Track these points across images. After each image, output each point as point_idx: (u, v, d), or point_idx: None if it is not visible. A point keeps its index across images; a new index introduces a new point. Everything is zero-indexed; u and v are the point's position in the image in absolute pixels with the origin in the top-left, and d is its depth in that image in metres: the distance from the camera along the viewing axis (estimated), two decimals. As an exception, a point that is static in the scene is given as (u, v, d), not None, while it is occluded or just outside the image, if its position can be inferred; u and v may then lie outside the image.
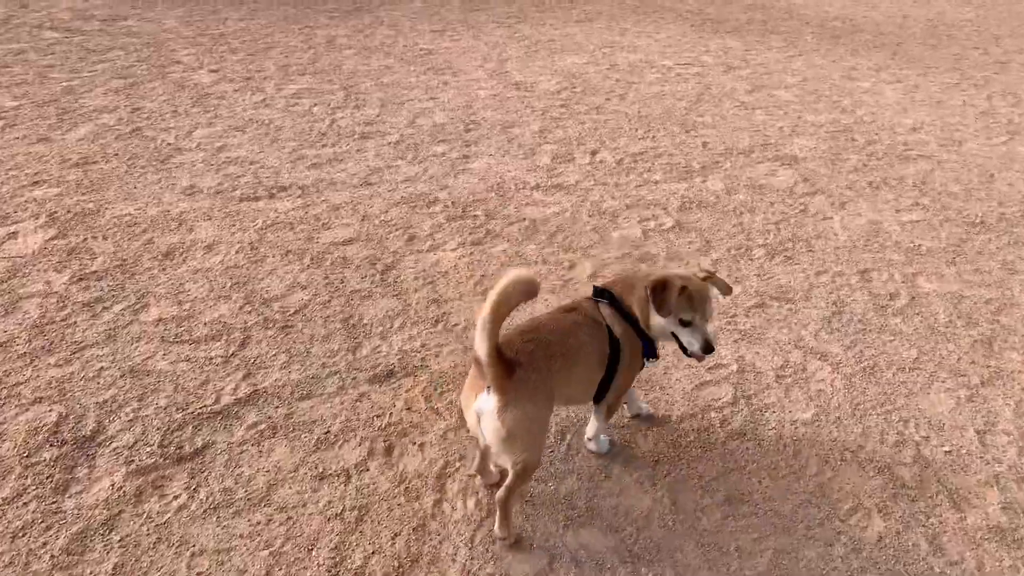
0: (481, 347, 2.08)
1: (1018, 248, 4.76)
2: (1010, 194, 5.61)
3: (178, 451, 2.78)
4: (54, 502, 2.54)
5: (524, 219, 4.82)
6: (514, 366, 2.18)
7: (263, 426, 2.93)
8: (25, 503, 2.53)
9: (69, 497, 2.56)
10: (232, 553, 2.39)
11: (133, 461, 2.72)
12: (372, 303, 3.77)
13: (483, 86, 7.67)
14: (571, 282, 4.13)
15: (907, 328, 3.88)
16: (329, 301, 3.76)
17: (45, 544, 2.39)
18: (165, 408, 2.99)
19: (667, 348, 2.82)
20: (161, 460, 2.74)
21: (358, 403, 3.08)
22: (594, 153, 6.04)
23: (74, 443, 2.79)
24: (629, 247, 4.55)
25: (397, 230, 4.55)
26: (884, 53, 10.18)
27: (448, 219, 4.74)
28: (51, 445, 2.78)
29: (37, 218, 4.47)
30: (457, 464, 2.80)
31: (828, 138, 6.66)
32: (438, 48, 9.13)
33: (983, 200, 5.49)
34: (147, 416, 2.94)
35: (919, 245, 4.77)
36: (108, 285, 3.82)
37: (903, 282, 4.32)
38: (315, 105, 6.74)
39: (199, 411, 2.99)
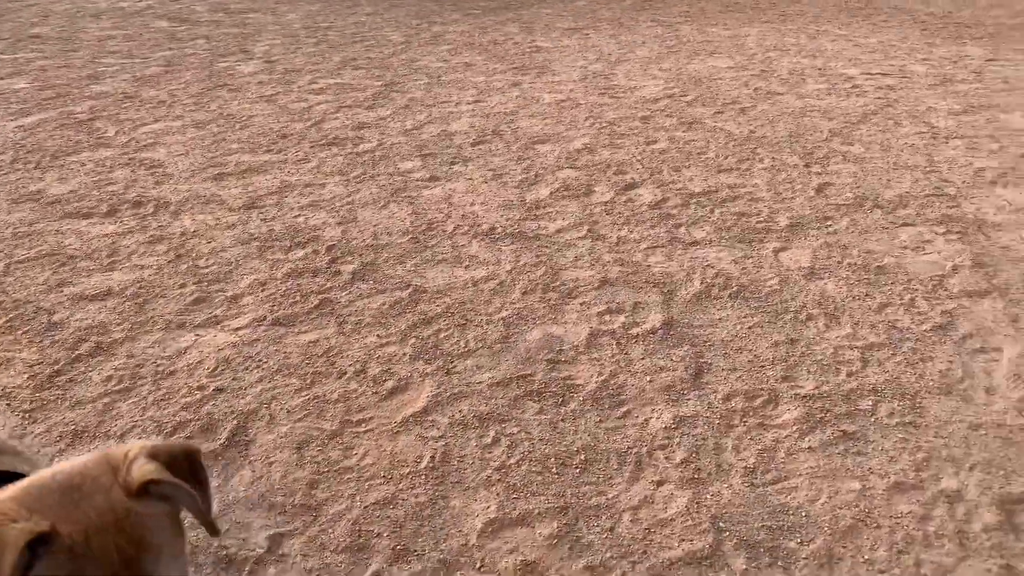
0: None
1: None
2: None
3: None
4: None
5: (407, 287, 2.84)
6: None
7: None
8: None
9: None
10: None
11: None
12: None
13: (561, 89, 5.65)
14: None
15: None
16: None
17: None
18: None
19: None
20: None
21: None
22: (630, 187, 3.82)
23: None
24: (541, 364, 2.40)
25: (195, 284, 2.83)
26: None
27: (296, 271, 2.92)
28: None
29: None
30: None
31: (1064, 192, 3.75)
32: (554, 47, 7.22)
33: None
34: None
35: None
36: None
37: None
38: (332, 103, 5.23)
39: None
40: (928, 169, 4.07)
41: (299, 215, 3.43)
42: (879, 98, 5.47)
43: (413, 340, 2.50)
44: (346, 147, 4.34)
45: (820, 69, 6.38)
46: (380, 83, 5.77)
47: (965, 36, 7.98)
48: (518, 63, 6.50)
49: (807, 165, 4.12)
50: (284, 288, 2.81)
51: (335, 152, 4.25)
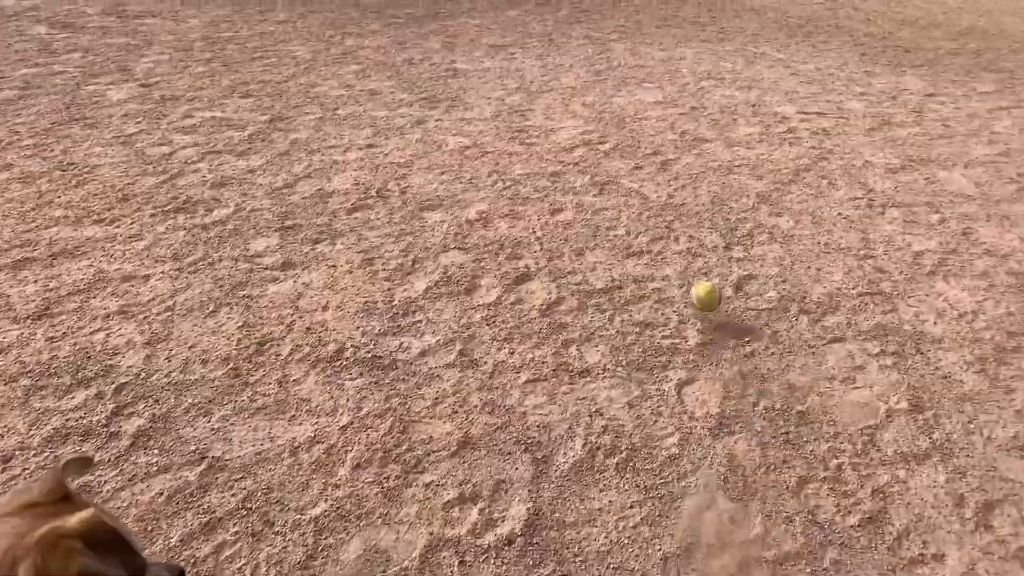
0: None
1: None
2: None
3: None
4: None
5: (201, 460, 2.15)
6: None
7: None
8: None
9: None
10: None
11: None
12: None
13: (469, 130, 4.95)
14: None
15: None
16: None
17: None
18: None
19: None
20: None
21: None
22: (522, 279, 3.17)
23: None
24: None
25: None
26: None
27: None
28: None
29: None
30: None
31: None
32: (473, 70, 6.49)
33: None
34: None
35: None
36: None
37: None
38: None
39: None
40: (863, 252, 3.52)
41: (100, 329, 2.68)
42: (813, 147, 4.92)
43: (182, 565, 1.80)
44: (196, 214, 3.58)
45: (754, 106, 5.82)
46: (265, 118, 4.99)
47: (904, 63, 7.54)
48: (429, 92, 5.77)
49: (728, 246, 3.52)
50: (34, 465, 2.08)
51: (179, 223, 3.49)
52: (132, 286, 2.96)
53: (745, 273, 3.29)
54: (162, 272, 3.06)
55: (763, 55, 7.66)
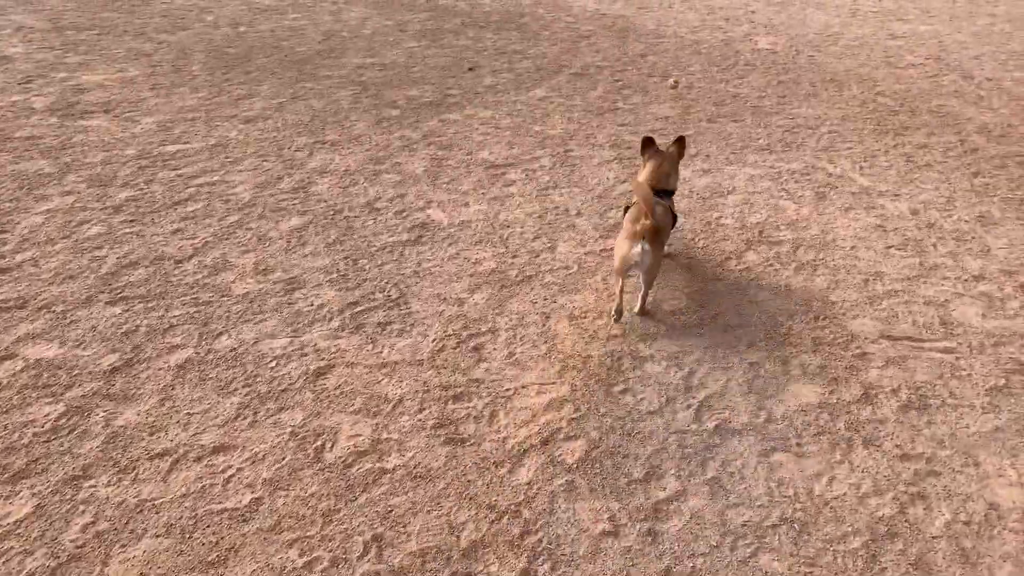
0: (648, 221, 3.33)
1: None
2: None
3: None
4: None
5: None
6: (655, 231, 3.36)
7: None
8: None
9: None
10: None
11: None
12: None
13: (376, 404, 3.21)
14: None
15: None
16: None
17: None
18: None
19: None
20: None
21: None
22: None
23: None
24: None
25: None
26: None
27: None
28: None
29: None
30: None
31: None
32: (448, 224, 4.71)
33: None
34: None
35: None
36: None
37: None
38: None
39: None
40: None
41: None
42: (902, 455, 2.97)
43: None
44: None
45: (817, 319, 3.83)
46: (111, 360, 3.38)
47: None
48: (369, 282, 4.04)
49: None
50: None
51: None
52: None
53: None
54: None
55: (840, 181, 5.56)
